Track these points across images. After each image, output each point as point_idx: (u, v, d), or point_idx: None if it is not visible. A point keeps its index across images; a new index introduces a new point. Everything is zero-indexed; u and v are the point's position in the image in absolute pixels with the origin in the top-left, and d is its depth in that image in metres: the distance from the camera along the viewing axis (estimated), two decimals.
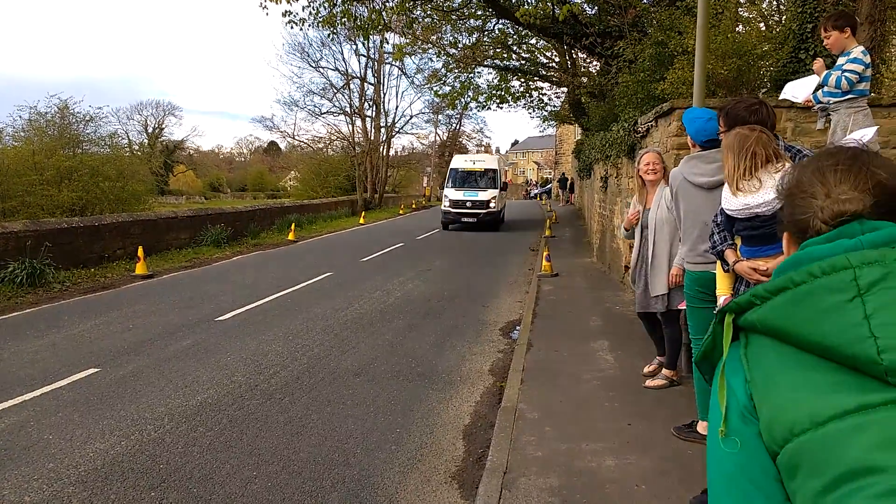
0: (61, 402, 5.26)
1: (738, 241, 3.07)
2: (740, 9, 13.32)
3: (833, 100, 4.42)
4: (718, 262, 3.26)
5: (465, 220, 22.20)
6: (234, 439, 4.51)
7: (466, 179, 23.62)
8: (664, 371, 5.37)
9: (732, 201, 2.86)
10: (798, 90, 4.78)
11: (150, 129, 66.32)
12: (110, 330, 7.68)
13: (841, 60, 4.29)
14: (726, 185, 2.95)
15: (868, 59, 4.27)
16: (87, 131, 19.80)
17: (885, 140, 6.71)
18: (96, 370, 6.09)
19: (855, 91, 4.31)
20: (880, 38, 11.25)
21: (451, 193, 22.86)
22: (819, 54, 8.10)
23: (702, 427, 4.16)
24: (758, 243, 2.90)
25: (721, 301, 3.26)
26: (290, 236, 19.10)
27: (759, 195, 2.78)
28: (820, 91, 4.58)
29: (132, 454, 4.26)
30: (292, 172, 57.46)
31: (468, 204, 22.35)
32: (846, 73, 4.21)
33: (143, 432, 4.62)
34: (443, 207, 23.25)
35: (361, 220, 26.96)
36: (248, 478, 3.94)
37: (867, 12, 10.66)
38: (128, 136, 51.23)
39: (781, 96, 4.92)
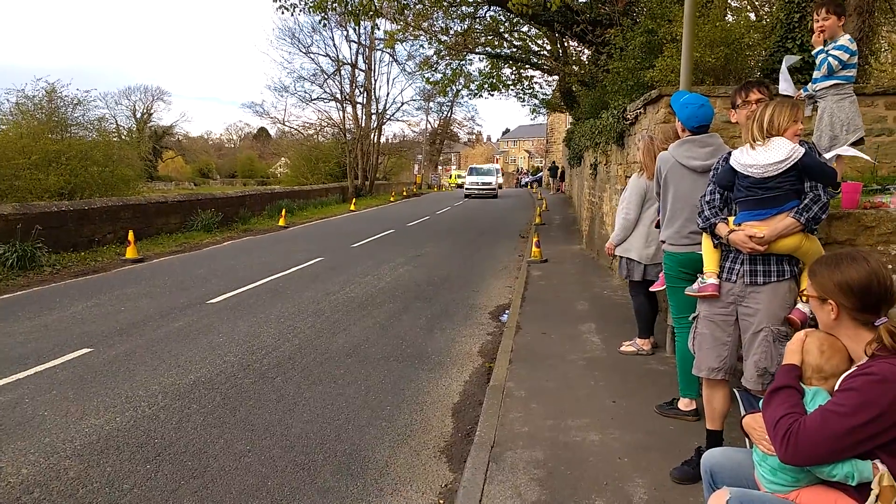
0: (55, 380, 5.32)
1: (730, 220, 3.17)
2: None
3: (819, 86, 4.52)
4: (706, 239, 3.34)
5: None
6: (228, 415, 4.60)
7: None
8: (637, 339, 5.88)
9: (761, 155, 2.94)
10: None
11: (138, 115, 65.58)
12: (102, 312, 7.73)
13: (828, 46, 4.39)
14: (746, 145, 3.04)
15: (854, 48, 4.38)
16: (76, 115, 19.60)
17: (868, 128, 6.82)
18: (89, 350, 6.15)
19: (839, 77, 4.41)
20: (868, 30, 11.38)
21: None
22: (805, 44, 8.21)
23: (682, 404, 4.29)
24: (757, 206, 3.01)
25: (707, 282, 3.30)
26: (281, 222, 19.12)
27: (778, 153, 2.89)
28: (809, 82, 4.68)
29: (127, 430, 4.34)
30: (282, 159, 57.16)
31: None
32: (830, 56, 4.31)
33: (138, 409, 4.70)
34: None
35: (352, 207, 26.98)
36: (241, 452, 4.03)
37: (856, 3, 10.78)
38: (116, 121, 50.73)
39: (784, 66, 4.94)
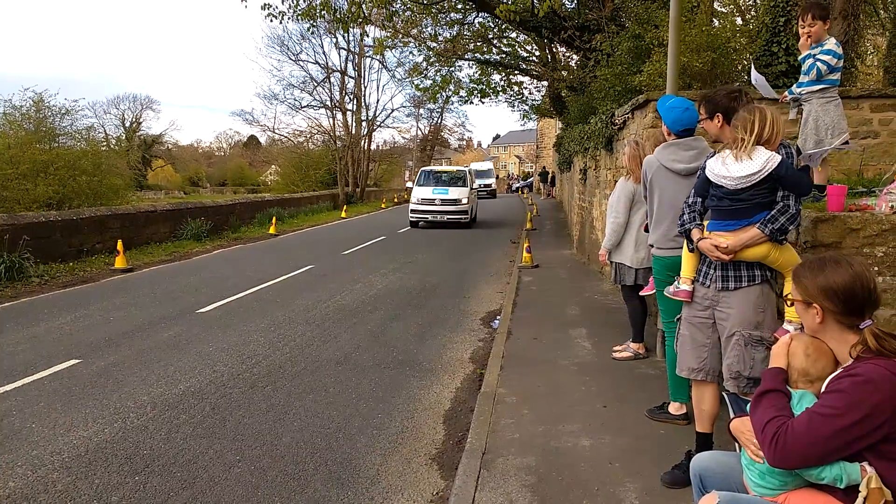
0: (43, 392, 5.27)
1: (705, 224, 3.20)
2: (717, 3, 13.53)
3: (805, 90, 4.54)
4: (685, 243, 3.37)
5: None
6: (217, 426, 4.57)
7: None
8: (631, 344, 5.84)
9: (734, 167, 2.91)
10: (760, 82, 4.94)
11: (127, 123, 65.16)
12: (91, 322, 7.67)
13: (815, 51, 4.41)
14: (726, 152, 3.02)
15: (840, 51, 4.41)
16: (63, 125, 19.47)
17: (854, 130, 6.88)
18: (77, 361, 6.09)
19: (826, 81, 4.44)
20: (854, 33, 11.49)
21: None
22: (791, 48, 8.29)
23: (673, 408, 4.29)
24: (726, 217, 3.02)
25: (681, 287, 3.36)
26: (271, 230, 19.05)
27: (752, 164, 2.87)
28: (794, 85, 4.72)
29: (115, 441, 4.30)
30: (273, 167, 57.05)
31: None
32: (819, 61, 4.33)
33: (126, 420, 4.67)
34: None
35: (343, 214, 26.93)
36: (231, 462, 4.00)
37: (841, 7, 10.87)
38: (104, 130, 50.57)
39: (753, 80, 5.03)
